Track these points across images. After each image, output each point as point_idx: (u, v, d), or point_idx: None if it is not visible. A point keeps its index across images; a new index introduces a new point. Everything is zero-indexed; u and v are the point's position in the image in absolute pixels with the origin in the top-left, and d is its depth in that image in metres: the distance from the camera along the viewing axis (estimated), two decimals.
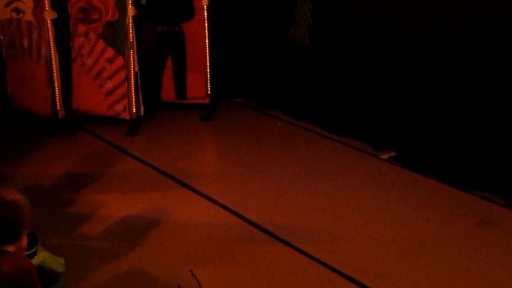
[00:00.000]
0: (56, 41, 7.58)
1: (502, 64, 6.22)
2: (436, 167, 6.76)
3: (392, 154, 7.19)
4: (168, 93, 8.47)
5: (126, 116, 7.92)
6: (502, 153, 6.30)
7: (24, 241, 3.61)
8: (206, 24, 8.24)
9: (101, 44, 7.76)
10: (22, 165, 6.97)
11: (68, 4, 7.73)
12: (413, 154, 7.03)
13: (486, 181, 6.39)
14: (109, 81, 7.85)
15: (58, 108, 7.75)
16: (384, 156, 7.21)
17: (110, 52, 7.78)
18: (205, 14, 8.21)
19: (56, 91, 7.71)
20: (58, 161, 7.09)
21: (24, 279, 3.33)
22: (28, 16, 7.70)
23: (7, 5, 7.74)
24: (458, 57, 6.56)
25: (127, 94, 7.82)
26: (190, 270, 4.63)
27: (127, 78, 7.76)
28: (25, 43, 7.80)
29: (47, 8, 7.45)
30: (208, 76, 8.42)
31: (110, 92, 7.89)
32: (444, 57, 6.70)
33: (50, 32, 7.52)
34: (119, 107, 7.92)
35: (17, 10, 7.70)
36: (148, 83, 8.21)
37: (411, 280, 5.05)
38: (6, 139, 7.62)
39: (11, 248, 3.42)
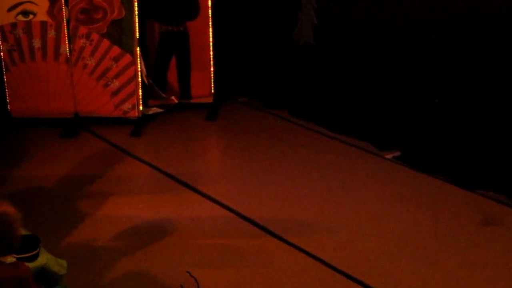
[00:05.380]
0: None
1: (508, 62, 6.19)
2: (441, 167, 6.73)
3: (397, 153, 7.17)
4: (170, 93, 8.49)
5: (134, 114, 7.92)
6: (507, 152, 6.27)
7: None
8: (210, 23, 8.23)
9: (105, 43, 7.76)
10: (25, 167, 6.99)
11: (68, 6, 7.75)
12: (417, 154, 7.00)
13: (491, 181, 6.36)
14: (116, 80, 7.86)
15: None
16: (389, 156, 7.19)
17: (116, 50, 7.78)
18: (209, 12, 8.19)
19: None
20: (60, 163, 7.11)
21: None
22: (42, 17, 7.71)
23: (12, 8, 7.71)
24: (464, 56, 6.52)
25: (136, 92, 7.85)
26: (188, 272, 4.67)
27: (135, 75, 7.79)
28: (37, 44, 7.80)
29: (63, 9, 7.62)
30: (212, 75, 8.42)
31: (116, 91, 7.89)
32: (450, 55, 6.67)
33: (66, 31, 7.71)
34: (127, 105, 7.93)
35: (25, 13, 7.70)
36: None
37: (414, 279, 5.04)
38: (7, 142, 7.65)
39: (7, 260, 3.42)
